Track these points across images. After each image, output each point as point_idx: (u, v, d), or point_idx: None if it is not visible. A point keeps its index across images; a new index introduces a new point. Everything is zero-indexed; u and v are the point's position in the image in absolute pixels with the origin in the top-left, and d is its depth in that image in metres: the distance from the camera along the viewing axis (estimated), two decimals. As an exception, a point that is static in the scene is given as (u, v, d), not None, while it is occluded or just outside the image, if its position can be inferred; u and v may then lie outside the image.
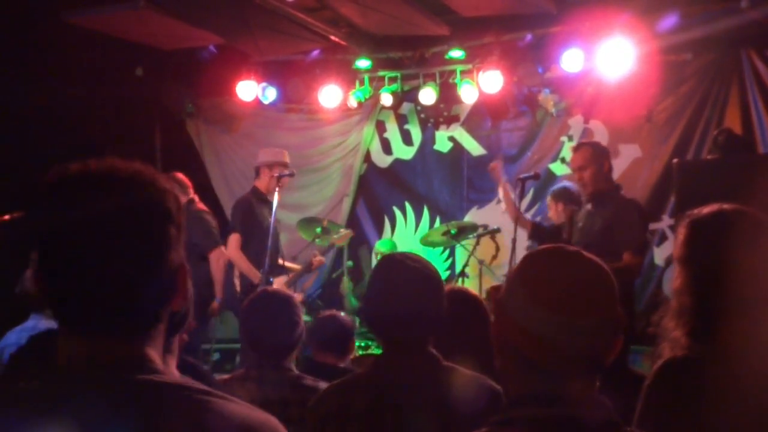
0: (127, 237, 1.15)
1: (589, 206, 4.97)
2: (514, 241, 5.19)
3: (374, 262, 7.17)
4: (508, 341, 1.49)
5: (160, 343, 1.24)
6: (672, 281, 2.11)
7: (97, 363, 1.16)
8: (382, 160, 7.76)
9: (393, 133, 7.72)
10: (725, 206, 2.11)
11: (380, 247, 7.11)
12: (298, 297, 4.17)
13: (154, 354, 1.21)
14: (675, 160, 5.10)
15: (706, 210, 2.12)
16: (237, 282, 5.81)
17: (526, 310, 1.44)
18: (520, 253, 5.34)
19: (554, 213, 5.99)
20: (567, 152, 6.90)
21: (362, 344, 6.29)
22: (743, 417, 1.82)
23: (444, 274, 7.39)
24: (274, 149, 6.20)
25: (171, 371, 1.21)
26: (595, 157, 4.88)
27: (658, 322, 2.10)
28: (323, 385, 2.86)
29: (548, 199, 6.23)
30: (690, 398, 1.88)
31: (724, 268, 1.94)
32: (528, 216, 6.61)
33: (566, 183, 6.02)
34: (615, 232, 4.72)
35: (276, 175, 5.70)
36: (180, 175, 5.81)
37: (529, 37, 6.51)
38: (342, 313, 4.22)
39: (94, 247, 1.14)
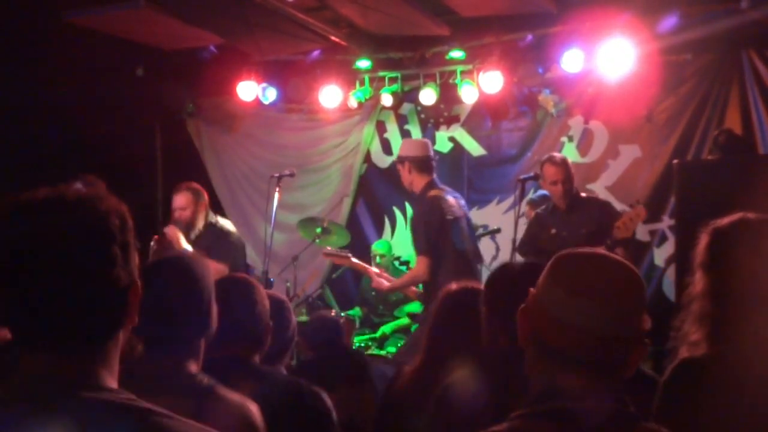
0: (68, 257, 1.20)
1: (558, 213, 5.32)
2: (514, 241, 5.21)
3: (372, 263, 7.17)
4: (539, 336, 1.53)
5: (112, 361, 1.27)
6: (694, 284, 2.15)
7: (43, 379, 1.20)
8: (383, 161, 7.76)
9: (393, 133, 7.71)
10: (749, 214, 2.15)
11: (377, 248, 7.11)
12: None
13: (104, 372, 1.24)
14: (675, 161, 5.10)
15: (729, 218, 2.16)
16: None
17: (561, 301, 1.50)
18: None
19: None
20: (568, 153, 6.89)
21: (362, 345, 6.30)
22: (761, 417, 1.84)
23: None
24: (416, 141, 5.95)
25: (120, 390, 1.25)
26: (569, 170, 5.33)
27: (679, 326, 2.13)
28: (312, 386, 2.88)
29: (526, 208, 6.22)
30: (707, 397, 1.91)
31: (744, 273, 1.98)
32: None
33: (545, 192, 6.13)
34: (604, 232, 4.97)
35: (276, 175, 5.70)
36: (195, 186, 5.61)
37: (529, 37, 6.51)
38: (333, 312, 4.24)
39: (38, 267, 1.20)
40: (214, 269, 5.44)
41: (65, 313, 1.21)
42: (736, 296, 1.99)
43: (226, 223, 5.66)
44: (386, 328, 6.64)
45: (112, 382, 1.25)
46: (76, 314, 1.22)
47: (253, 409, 1.96)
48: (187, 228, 5.36)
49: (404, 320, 6.68)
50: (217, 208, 8.05)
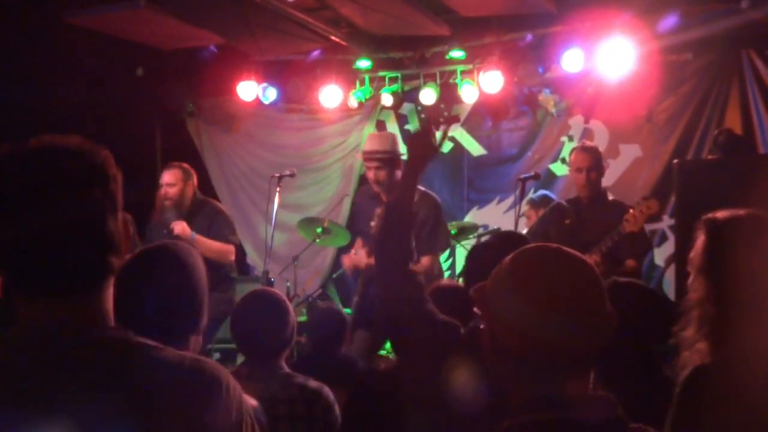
0: (55, 202, 1.26)
1: (579, 206, 5.10)
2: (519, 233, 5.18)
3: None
4: (504, 345, 1.47)
5: (108, 302, 1.33)
6: (692, 290, 2.10)
7: (45, 323, 1.26)
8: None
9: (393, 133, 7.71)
10: (740, 211, 2.09)
11: None
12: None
13: (104, 311, 1.31)
14: (675, 161, 5.09)
15: (721, 216, 2.10)
16: None
17: (521, 313, 1.43)
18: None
19: (534, 221, 6.05)
20: (567, 152, 6.90)
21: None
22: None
23: (444, 274, 7.39)
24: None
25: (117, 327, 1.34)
26: (599, 161, 5.07)
27: (678, 332, 2.10)
28: (313, 382, 2.89)
29: (526, 208, 6.20)
30: (720, 404, 1.88)
31: (743, 274, 1.94)
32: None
33: (546, 192, 6.11)
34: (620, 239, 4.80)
35: (276, 175, 5.70)
36: (186, 166, 5.69)
37: (529, 37, 6.51)
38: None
39: (28, 211, 1.26)
40: (225, 250, 5.41)
41: (59, 259, 1.26)
42: (736, 299, 1.96)
43: (216, 204, 5.76)
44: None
45: (110, 319, 1.32)
46: (69, 260, 1.27)
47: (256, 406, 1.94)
48: (175, 206, 5.43)
49: None
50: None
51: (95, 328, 1.28)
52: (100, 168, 1.34)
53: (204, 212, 5.50)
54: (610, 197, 5.23)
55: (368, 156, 5.15)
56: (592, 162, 5.03)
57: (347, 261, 5.47)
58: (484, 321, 1.54)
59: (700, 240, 2.10)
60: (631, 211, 4.67)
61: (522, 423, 1.44)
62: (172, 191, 5.46)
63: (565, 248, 1.51)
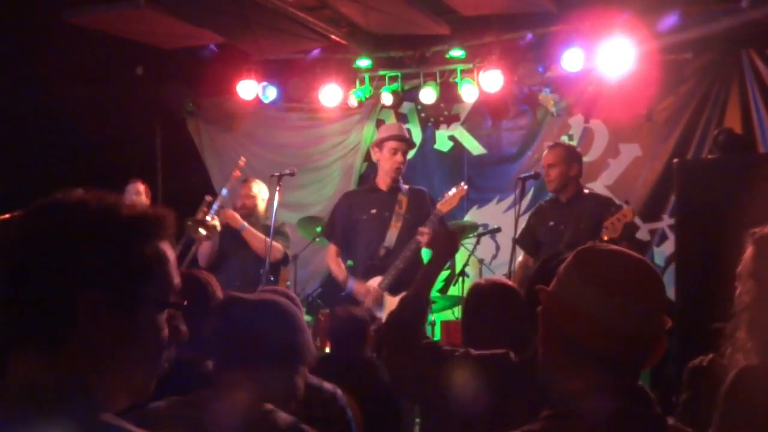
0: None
1: (558, 206, 5.19)
2: (514, 240, 5.21)
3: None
4: (561, 330, 1.53)
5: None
6: (740, 294, 2.18)
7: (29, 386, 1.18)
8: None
9: (393, 132, 7.71)
10: None
11: None
12: None
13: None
14: (675, 160, 5.09)
15: (767, 228, 2.21)
16: None
17: (590, 297, 1.49)
18: (520, 252, 5.36)
19: None
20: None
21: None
22: None
23: (444, 274, 7.39)
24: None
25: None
26: (567, 157, 5.15)
27: (731, 333, 2.16)
28: (327, 385, 2.87)
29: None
30: (764, 404, 1.93)
31: None
32: (528, 215, 6.66)
33: None
34: (599, 228, 4.84)
35: (276, 174, 5.70)
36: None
37: (529, 36, 6.51)
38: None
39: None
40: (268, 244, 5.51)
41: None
42: None
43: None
44: None
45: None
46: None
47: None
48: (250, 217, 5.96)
49: None
50: (217, 208, 8.07)
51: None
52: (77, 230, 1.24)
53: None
54: (586, 191, 5.33)
55: (397, 138, 5.28)
56: (556, 158, 5.13)
57: (362, 290, 5.23)
58: (544, 318, 1.59)
59: (749, 250, 2.20)
60: (609, 219, 4.70)
61: (570, 411, 1.48)
62: (251, 203, 6.06)
63: (622, 249, 1.60)
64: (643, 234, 6.34)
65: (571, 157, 5.19)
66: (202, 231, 5.72)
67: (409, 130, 7.26)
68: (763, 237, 2.18)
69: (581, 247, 1.61)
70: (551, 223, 5.16)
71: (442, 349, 2.45)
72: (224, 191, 6.04)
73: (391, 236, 5.20)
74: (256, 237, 5.77)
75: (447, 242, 2.74)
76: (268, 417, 1.97)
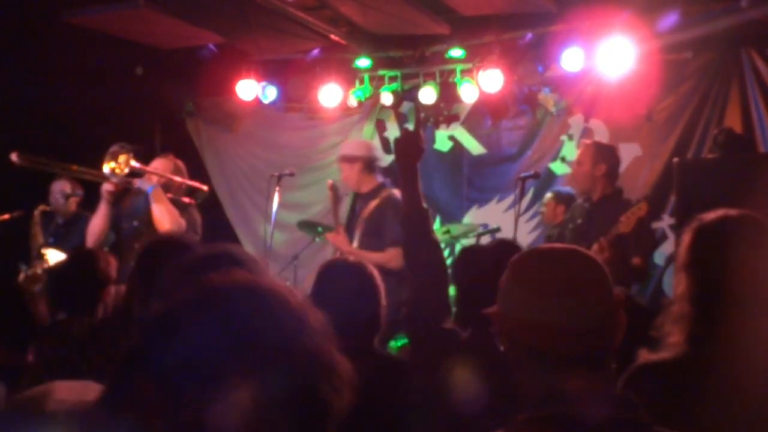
0: None
1: (587, 205, 5.07)
2: (514, 239, 5.19)
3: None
4: (516, 339, 1.53)
5: None
6: (674, 287, 2.13)
7: None
8: (382, 159, 7.75)
9: (393, 132, 7.70)
10: (730, 212, 2.11)
11: None
12: None
13: None
14: (675, 159, 5.10)
15: (710, 216, 2.13)
16: None
17: (524, 302, 1.49)
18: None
19: (551, 214, 6.08)
20: (567, 151, 6.91)
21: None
22: (738, 418, 1.84)
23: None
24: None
25: None
26: (603, 156, 4.99)
27: (660, 326, 2.11)
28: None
29: (548, 197, 6.28)
30: (668, 400, 1.90)
31: (726, 273, 1.96)
32: (528, 215, 6.69)
33: (571, 189, 6.09)
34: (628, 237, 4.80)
35: (276, 174, 5.69)
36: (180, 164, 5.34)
37: (529, 36, 6.51)
38: None
39: None
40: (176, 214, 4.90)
41: None
42: (716, 296, 1.98)
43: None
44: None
45: None
46: None
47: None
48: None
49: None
50: (217, 207, 8.06)
51: None
52: None
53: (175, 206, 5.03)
54: (624, 196, 5.10)
55: (338, 160, 5.62)
56: (585, 155, 5.02)
57: (332, 239, 5.58)
58: (497, 325, 1.58)
59: (686, 239, 2.13)
60: (625, 213, 4.65)
61: (533, 417, 1.47)
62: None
63: (560, 244, 1.61)
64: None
65: (599, 156, 5.01)
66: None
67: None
68: (704, 225, 2.10)
69: (513, 258, 1.59)
70: (579, 221, 5.09)
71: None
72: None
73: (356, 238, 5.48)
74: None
75: (408, 145, 2.71)
76: None
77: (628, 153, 6.68)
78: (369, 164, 5.45)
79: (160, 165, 5.05)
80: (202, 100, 7.98)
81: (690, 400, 1.88)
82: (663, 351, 2.05)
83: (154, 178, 4.88)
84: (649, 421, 1.48)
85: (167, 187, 4.96)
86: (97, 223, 4.86)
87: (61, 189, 5.71)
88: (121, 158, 4.74)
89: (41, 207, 5.60)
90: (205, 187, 5.32)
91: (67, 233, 5.68)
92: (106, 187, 4.77)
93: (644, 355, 2.07)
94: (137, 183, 4.78)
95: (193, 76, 7.52)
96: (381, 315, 2.71)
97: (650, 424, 1.48)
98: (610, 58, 6.07)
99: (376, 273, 2.79)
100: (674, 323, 2.05)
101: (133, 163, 4.75)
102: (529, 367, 1.52)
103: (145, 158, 7.16)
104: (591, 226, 4.94)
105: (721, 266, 1.99)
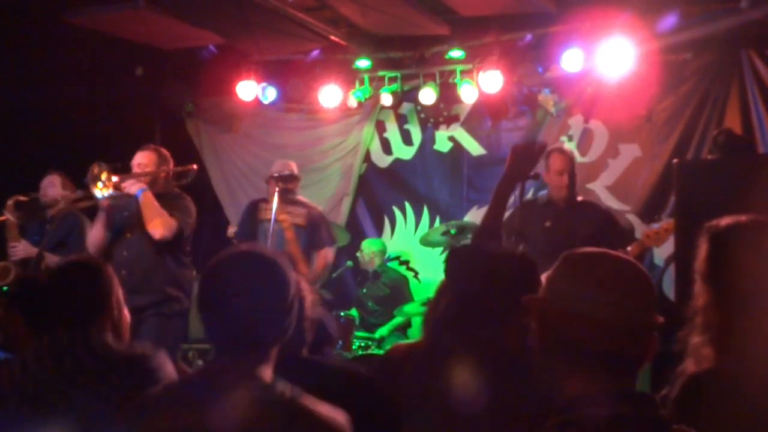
0: None
1: (555, 208, 5.26)
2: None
3: (361, 261, 7.18)
4: (557, 335, 1.55)
5: None
6: (696, 297, 2.13)
7: None
8: (382, 160, 7.76)
9: (393, 133, 7.71)
10: (741, 218, 2.13)
11: (370, 246, 7.12)
12: None
13: None
14: (675, 160, 5.09)
15: (723, 223, 2.14)
16: None
17: (573, 294, 1.53)
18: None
19: None
20: (567, 152, 6.91)
21: (362, 344, 6.29)
22: None
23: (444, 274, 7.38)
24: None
25: None
26: (574, 164, 5.31)
27: (684, 338, 2.13)
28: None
29: None
30: (719, 411, 1.90)
31: (747, 280, 1.98)
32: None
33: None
34: (606, 235, 5.02)
35: (275, 175, 5.69)
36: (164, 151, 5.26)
37: (529, 36, 6.51)
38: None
39: None
40: (168, 219, 4.88)
41: None
42: (740, 304, 1.99)
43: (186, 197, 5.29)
44: (383, 331, 6.65)
45: None
46: None
47: (344, 420, 1.78)
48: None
49: (399, 319, 6.69)
50: (217, 208, 8.07)
51: None
52: None
53: (168, 198, 5.03)
54: (579, 198, 5.38)
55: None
56: (572, 165, 5.25)
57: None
58: (539, 325, 1.60)
59: (703, 247, 2.14)
60: (652, 230, 5.00)
61: (576, 418, 1.48)
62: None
63: (606, 250, 1.61)
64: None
65: (573, 164, 5.30)
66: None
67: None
68: (720, 233, 2.12)
69: (566, 252, 1.62)
70: (547, 224, 5.19)
71: None
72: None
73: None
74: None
75: (527, 156, 2.59)
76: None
77: (628, 153, 6.69)
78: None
79: (143, 159, 5.06)
80: (202, 100, 7.98)
81: (734, 409, 1.89)
82: (700, 362, 2.05)
83: (141, 180, 4.93)
84: (665, 418, 1.51)
85: (155, 180, 5.01)
86: (97, 233, 4.99)
87: (50, 181, 5.61)
88: (103, 176, 4.85)
89: (15, 197, 5.50)
90: (193, 166, 5.27)
91: (54, 231, 5.56)
92: (104, 202, 4.90)
93: (689, 367, 2.07)
94: (126, 188, 4.86)
95: (193, 77, 7.52)
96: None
97: (668, 421, 1.51)
98: (609, 59, 6.07)
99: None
100: (702, 334, 2.06)
101: (114, 178, 4.85)
102: (562, 361, 1.54)
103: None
104: (559, 230, 5.12)
105: (742, 274, 2.00)
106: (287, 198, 5.69)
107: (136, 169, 5.02)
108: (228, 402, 1.67)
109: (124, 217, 5.00)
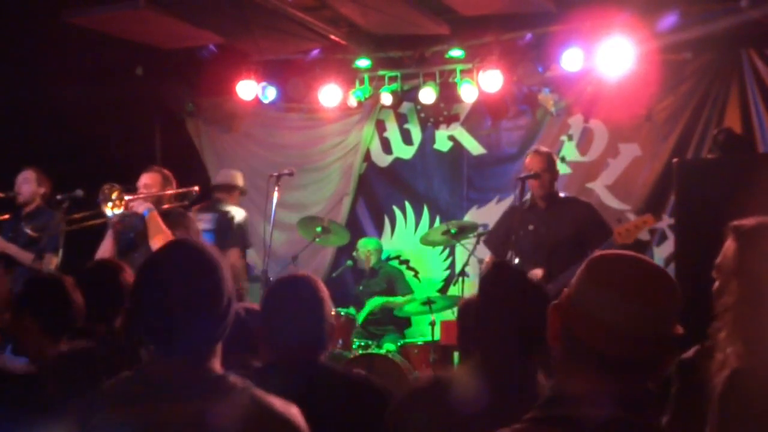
0: None
1: (537, 210, 5.23)
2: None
3: (358, 260, 7.18)
4: (571, 332, 1.53)
5: None
6: (723, 293, 2.15)
7: None
8: (382, 160, 7.76)
9: (393, 132, 7.71)
10: (765, 219, 2.16)
11: (361, 243, 7.12)
12: None
13: None
14: (675, 160, 5.09)
15: (749, 223, 2.17)
16: None
17: (598, 299, 1.50)
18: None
19: None
20: (567, 151, 6.91)
21: (362, 343, 6.30)
22: None
23: (444, 274, 7.40)
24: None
25: None
26: (553, 163, 5.26)
27: (714, 333, 2.14)
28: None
29: None
30: (761, 405, 1.93)
31: None
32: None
33: None
34: (587, 232, 5.04)
35: (275, 174, 5.70)
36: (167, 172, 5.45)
37: (529, 36, 6.51)
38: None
39: None
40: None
41: None
42: None
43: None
44: (359, 318, 6.63)
45: None
46: None
47: (297, 413, 1.81)
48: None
49: (376, 302, 6.70)
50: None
51: None
52: None
53: (171, 216, 5.19)
54: (561, 195, 5.37)
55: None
56: (544, 165, 5.18)
57: None
58: (557, 318, 1.59)
59: (730, 245, 2.16)
60: (623, 226, 4.81)
61: (565, 416, 1.48)
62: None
63: (639, 255, 1.59)
64: (642, 234, 6.33)
65: (553, 162, 5.29)
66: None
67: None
68: (748, 231, 2.13)
69: (594, 254, 1.61)
70: (531, 227, 5.18)
71: None
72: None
73: None
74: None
75: None
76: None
77: (628, 153, 6.69)
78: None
79: (149, 180, 5.24)
80: (202, 100, 7.98)
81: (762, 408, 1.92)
82: (726, 356, 2.07)
83: (148, 200, 5.14)
84: (659, 425, 1.51)
85: (160, 199, 5.23)
86: (106, 249, 5.17)
87: (25, 177, 5.74)
88: (114, 195, 5.04)
89: None
90: (195, 188, 5.46)
91: (29, 227, 5.64)
92: (114, 220, 5.08)
93: (730, 360, 2.08)
94: (133, 207, 5.06)
95: (193, 77, 7.52)
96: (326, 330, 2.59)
97: (660, 428, 1.52)
98: (609, 59, 6.08)
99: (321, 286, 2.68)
100: (732, 330, 2.08)
101: (126, 197, 5.05)
102: (570, 359, 1.53)
103: (148, 159, 7.21)
104: (546, 231, 5.12)
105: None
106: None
107: (141, 190, 5.20)
108: (182, 393, 1.69)
109: (131, 237, 5.16)
